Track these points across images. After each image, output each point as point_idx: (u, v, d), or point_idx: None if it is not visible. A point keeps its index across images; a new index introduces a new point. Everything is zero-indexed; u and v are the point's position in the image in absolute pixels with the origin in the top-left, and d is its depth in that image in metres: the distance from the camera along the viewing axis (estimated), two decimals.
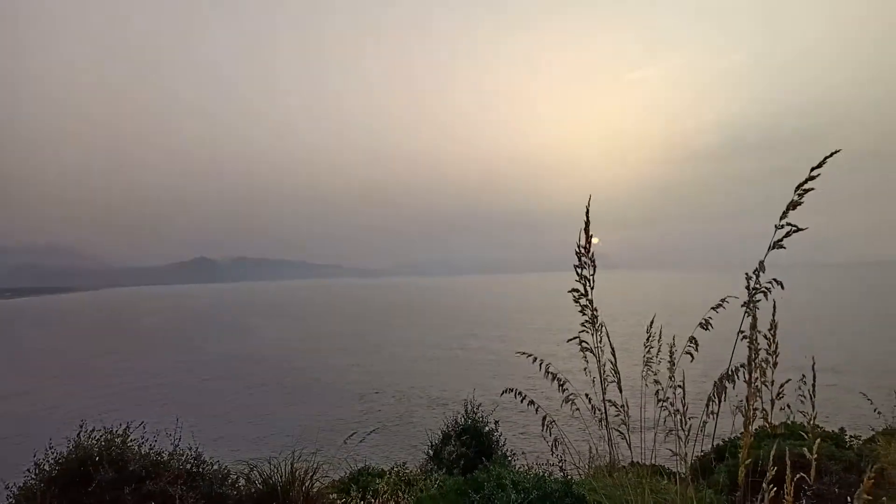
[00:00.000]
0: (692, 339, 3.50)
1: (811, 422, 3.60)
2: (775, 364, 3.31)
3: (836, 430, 6.03)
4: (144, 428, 5.78)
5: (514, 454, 7.12)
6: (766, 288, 3.03)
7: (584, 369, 3.55)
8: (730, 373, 3.27)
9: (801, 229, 2.91)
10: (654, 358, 3.72)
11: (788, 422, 6.34)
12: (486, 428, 7.10)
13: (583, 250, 3.45)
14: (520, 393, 3.69)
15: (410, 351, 44.86)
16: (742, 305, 3.05)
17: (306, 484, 5.91)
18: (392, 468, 6.49)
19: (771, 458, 2.70)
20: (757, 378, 3.13)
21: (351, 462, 6.96)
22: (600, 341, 3.62)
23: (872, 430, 7.85)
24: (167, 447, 5.77)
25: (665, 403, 3.54)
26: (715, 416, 3.36)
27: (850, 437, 5.95)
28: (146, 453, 5.54)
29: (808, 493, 4.82)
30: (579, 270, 3.48)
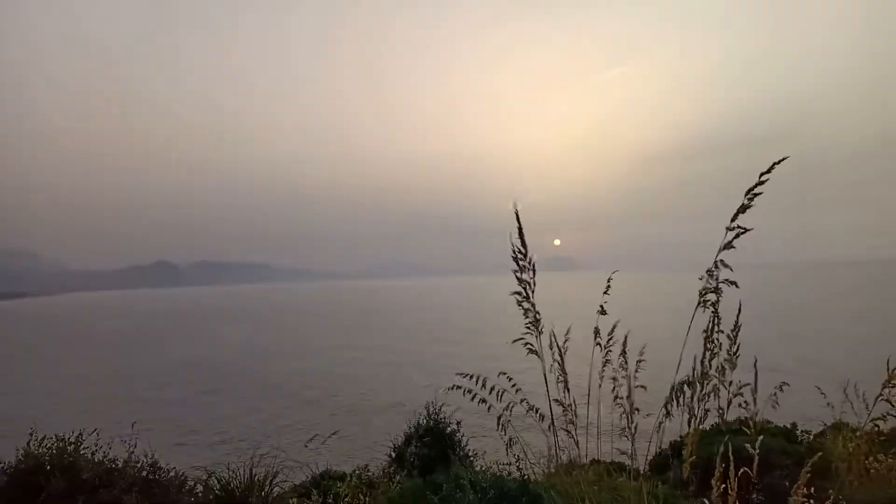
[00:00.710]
0: (641, 350, 3.57)
1: (754, 418, 3.68)
2: (734, 365, 3.37)
3: (788, 426, 6.20)
4: (98, 435, 5.65)
5: (476, 454, 7.15)
6: (717, 287, 3.11)
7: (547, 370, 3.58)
8: (690, 375, 3.32)
9: (748, 230, 2.99)
10: (609, 357, 3.78)
11: (744, 418, 6.51)
12: (449, 429, 7.11)
13: (519, 255, 3.47)
14: (470, 390, 3.70)
15: (375, 354, 44.47)
16: (699, 304, 3.13)
17: (266, 489, 5.85)
18: (354, 471, 6.46)
19: (719, 455, 2.76)
20: (713, 377, 3.20)
21: (312, 466, 6.90)
22: (562, 343, 3.66)
23: (823, 424, 8.11)
24: (122, 455, 5.65)
25: (621, 401, 3.59)
26: (669, 415, 3.42)
27: (802, 431, 6.12)
28: (100, 461, 5.42)
29: (758, 486, 4.96)
30: (519, 275, 3.50)
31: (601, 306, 3.65)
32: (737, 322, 3.37)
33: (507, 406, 3.62)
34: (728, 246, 3.06)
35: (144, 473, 5.57)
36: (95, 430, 5.66)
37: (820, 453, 2.94)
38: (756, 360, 3.46)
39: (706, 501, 2.82)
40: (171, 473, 5.73)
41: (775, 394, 3.80)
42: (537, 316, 3.53)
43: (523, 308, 3.52)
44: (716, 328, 3.15)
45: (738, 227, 3.01)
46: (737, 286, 3.11)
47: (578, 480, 3.93)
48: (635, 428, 3.54)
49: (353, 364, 39.97)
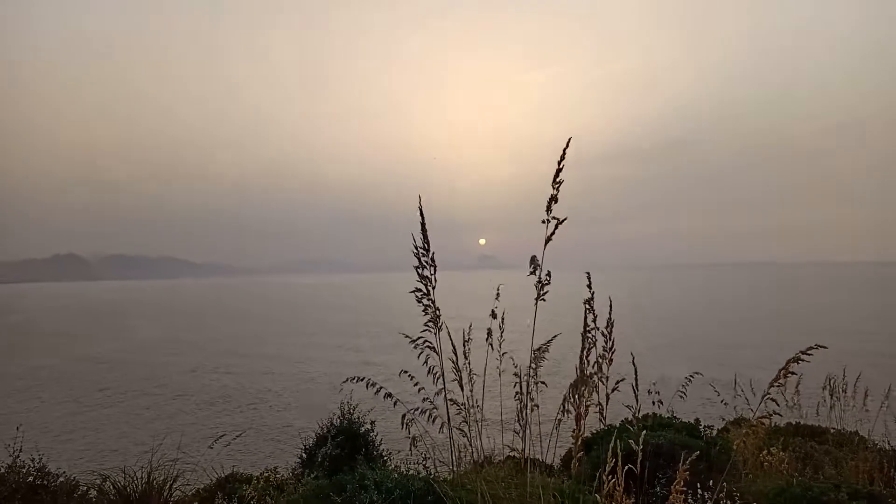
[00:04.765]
0: (541, 346, 3.60)
1: (636, 413, 3.78)
2: (610, 360, 3.43)
3: (692, 421, 6.42)
4: None
5: (389, 453, 7.07)
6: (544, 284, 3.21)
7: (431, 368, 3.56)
8: (585, 371, 3.37)
9: (563, 220, 3.06)
10: (509, 354, 3.81)
11: (652, 413, 6.72)
12: (363, 428, 6.99)
13: (421, 251, 3.44)
14: (373, 384, 3.64)
15: (287, 352, 43.12)
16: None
17: (165, 493, 5.60)
18: (262, 473, 6.26)
19: (610, 451, 2.80)
20: (593, 374, 3.26)
21: (217, 468, 6.65)
22: (462, 340, 3.65)
23: (723, 419, 8.51)
24: (5, 460, 5.28)
25: (521, 397, 3.61)
26: (567, 412, 3.45)
27: (705, 427, 6.35)
28: None
29: (661, 480, 5.11)
30: (420, 271, 3.47)
31: (493, 311, 3.66)
32: (609, 319, 3.43)
33: (416, 409, 3.58)
34: (548, 239, 3.13)
35: (31, 479, 5.23)
36: None
37: (698, 452, 3.02)
38: (633, 357, 3.53)
39: (598, 497, 2.85)
40: (61, 479, 5.40)
41: (655, 388, 3.92)
42: (437, 313, 3.50)
43: (423, 305, 3.48)
44: (591, 325, 3.22)
45: (554, 218, 3.08)
46: (590, 291, 3.21)
47: (486, 478, 3.93)
48: (525, 424, 3.57)
49: (263, 362, 38.59)
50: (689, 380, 4.14)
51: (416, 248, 3.39)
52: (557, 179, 2.99)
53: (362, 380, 3.76)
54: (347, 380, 3.80)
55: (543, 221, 3.09)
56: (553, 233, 3.10)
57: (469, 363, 3.80)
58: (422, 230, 3.36)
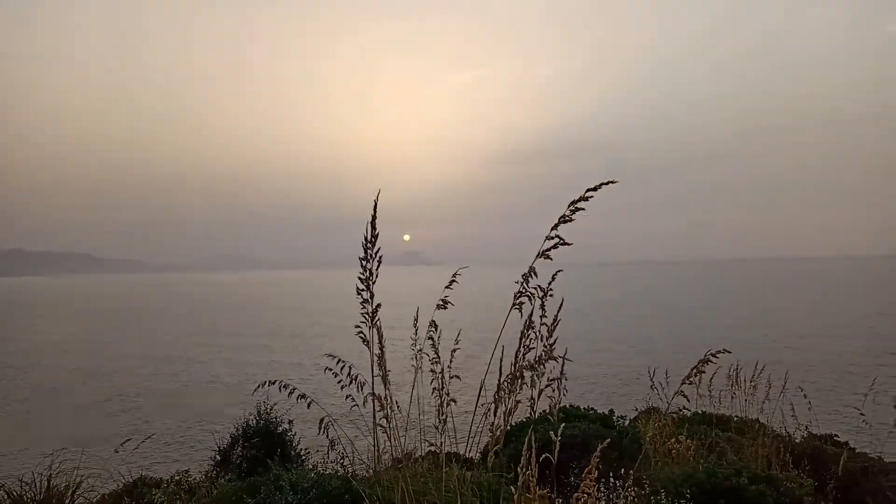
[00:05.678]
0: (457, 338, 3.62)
1: (558, 405, 3.89)
2: (549, 357, 3.50)
3: (606, 412, 6.62)
4: None
5: (308, 452, 6.92)
6: (531, 292, 3.26)
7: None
8: (516, 366, 3.41)
9: (569, 244, 3.14)
10: (428, 350, 3.81)
11: (569, 405, 6.89)
12: (280, 428, 6.82)
13: (369, 244, 3.42)
14: (285, 386, 3.56)
15: (201, 353, 41.14)
16: (513, 307, 3.23)
17: (67, 500, 5.28)
18: (173, 476, 5.99)
19: (525, 443, 2.83)
20: (521, 369, 3.31)
21: (125, 473, 6.33)
22: (383, 338, 3.61)
23: (636, 409, 8.84)
24: None
25: (441, 392, 3.62)
26: (494, 404, 3.48)
27: (618, 417, 6.57)
28: None
29: (575, 470, 5.25)
30: (364, 263, 3.45)
31: (443, 300, 3.65)
32: (556, 317, 3.52)
33: (353, 410, 3.52)
34: (545, 254, 3.17)
35: None
36: None
37: (609, 439, 3.11)
38: (566, 351, 3.62)
39: (512, 489, 2.88)
40: None
41: (561, 374, 4.02)
42: (375, 308, 3.48)
43: (362, 298, 3.45)
44: (530, 323, 3.27)
45: (558, 237, 3.14)
46: (547, 294, 3.27)
47: (405, 474, 3.90)
48: (444, 420, 3.59)
49: (175, 363, 36.74)
50: (608, 371, 4.25)
51: (365, 239, 3.37)
52: (577, 205, 3.02)
53: (273, 383, 3.67)
54: (261, 384, 3.69)
55: (549, 237, 3.15)
56: (549, 249, 3.14)
57: (386, 360, 3.78)
58: (371, 223, 3.35)
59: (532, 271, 3.22)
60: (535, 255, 3.16)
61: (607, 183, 3.03)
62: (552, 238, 3.14)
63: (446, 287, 3.70)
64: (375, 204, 3.35)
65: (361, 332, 3.51)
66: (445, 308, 3.77)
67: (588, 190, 3.02)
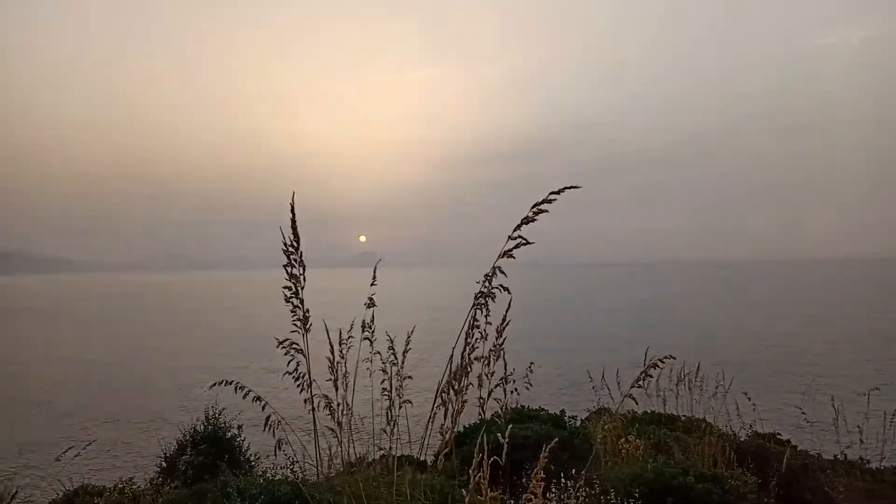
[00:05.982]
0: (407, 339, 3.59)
1: (506, 406, 3.91)
2: (499, 356, 3.50)
3: (558, 412, 6.69)
4: None
5: (258, 458, 6.77)
6: (491, 291, 3.25)
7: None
8: (462, 366, 3.39)
9: (530, 243, 3.15)
10: (379, 353, 3.78)
11: (521, 406, 6.93)
12: (229, 433, 6.65)
13: (291, 249, 3.33)
14: (241, 388, 3.47)
15: (141, 356, 39.60)
16: (473, 307, 3.23)
17: None
18: (116, 485, 5.79)
19: (478, 445, 2.83)
20: (465, 367, 3.30)
21: (66, 482, 6.08)
22: (337, 340, 3.56)
23: (587, 410, 8.96)
24: None
25: (388, 393, 3.59)
26: (442, 406, 3.47)
27: (569, 417, 6.64)
28: None
29: (528, 471, 5.28)
30: (288, 269, 3.36)
31: (370, 298, 3.63)
32: (505, 317, 3.52)
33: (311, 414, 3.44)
34: (508, 254, 3.18)
35: None
36: None
37: (557, 439, 3.14)
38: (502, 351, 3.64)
39: (463, 492, 2.87)
40: None
41: (526, 377, 4.05)
42: (306, 314, 3.40)
43: (292, 304, 3.36)
44: (477, 322, 3.27)
45: (520, 237, 3.15)
46: (509, 292, 3.27)
47: (357, 479, 3.86)
48: (393, 422, 3.56)
49: (112, 368, 35.28)
50: (531, 370, 4.29)
51: (286, 245, 3.26)
52: (541, 206, 3.00)
53: (230, 383, 3.57)
54: (216, 383, 3.58)
55: (512, 237, 3.14)
56: (511, 249, 3.14)
57: (346, 362, 3.73)
58: (292, 227, 3.24)
59: (497, 270, 3.22)
60: (496, 256, 3.17)
61: (570, 188, 3.05)
62: (514, 238, 3.15)
63: (371, 284, 3.69)
64: (292, 207, 3.26)
65: (294, 343, 3.42)
66: (375, 306, 3.75)
67: (551, 193, 3.03)
